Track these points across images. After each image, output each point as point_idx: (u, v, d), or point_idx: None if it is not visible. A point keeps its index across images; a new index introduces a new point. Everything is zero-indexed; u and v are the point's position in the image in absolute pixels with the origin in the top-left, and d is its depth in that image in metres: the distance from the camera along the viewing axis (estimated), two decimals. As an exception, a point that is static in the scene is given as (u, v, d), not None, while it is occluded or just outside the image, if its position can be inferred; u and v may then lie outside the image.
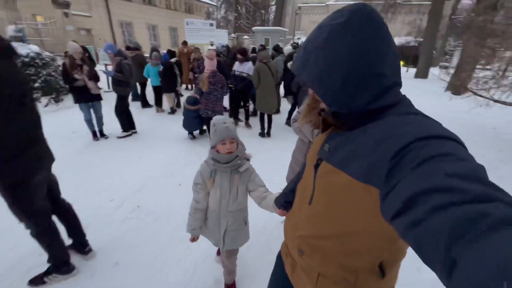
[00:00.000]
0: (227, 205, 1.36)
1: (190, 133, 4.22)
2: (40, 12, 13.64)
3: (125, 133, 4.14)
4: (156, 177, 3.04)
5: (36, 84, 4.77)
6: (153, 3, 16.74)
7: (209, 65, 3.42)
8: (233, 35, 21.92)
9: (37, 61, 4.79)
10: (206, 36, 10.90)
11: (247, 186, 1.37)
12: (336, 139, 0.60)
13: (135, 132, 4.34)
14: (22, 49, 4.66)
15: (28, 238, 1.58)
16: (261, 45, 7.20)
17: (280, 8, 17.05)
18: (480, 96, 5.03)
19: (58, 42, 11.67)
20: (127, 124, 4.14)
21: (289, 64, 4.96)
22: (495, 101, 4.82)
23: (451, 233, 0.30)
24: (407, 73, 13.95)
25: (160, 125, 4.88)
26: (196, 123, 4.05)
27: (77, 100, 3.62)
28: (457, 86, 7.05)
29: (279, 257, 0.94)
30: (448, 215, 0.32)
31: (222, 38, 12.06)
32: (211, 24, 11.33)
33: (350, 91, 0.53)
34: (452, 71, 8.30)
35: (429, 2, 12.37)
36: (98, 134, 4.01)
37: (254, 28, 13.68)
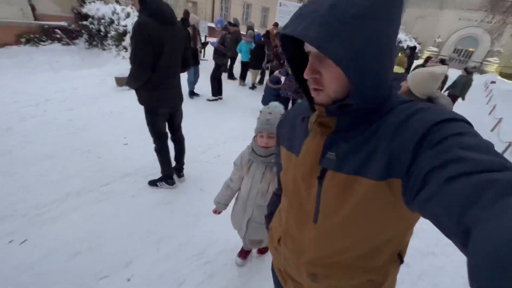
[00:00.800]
0: (255, 197, 1.33)
1: (266, 109, 4.67)
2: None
3: (213, 98, 4.88)
4: (234, 138, 3.64)
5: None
6: (253, -18, 17.48)
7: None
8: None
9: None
10: None
11: None
12: (341, 145, 0.53)
13: (221, 98, 5.06)
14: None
15: (151, 153, 2.29)
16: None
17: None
18: None
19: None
20: (217, 90, 4.85)
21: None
22: None
23: (464, 201, 0.30)
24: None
25: (242, 97, 5.51)
26: (273, 101, 4.44)
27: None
28: None
29: (275, 275, 0.88)
30: (461, 183, 0.32)
31: None
32: None
33: (382, 78, 0.47)
34: None
35: None
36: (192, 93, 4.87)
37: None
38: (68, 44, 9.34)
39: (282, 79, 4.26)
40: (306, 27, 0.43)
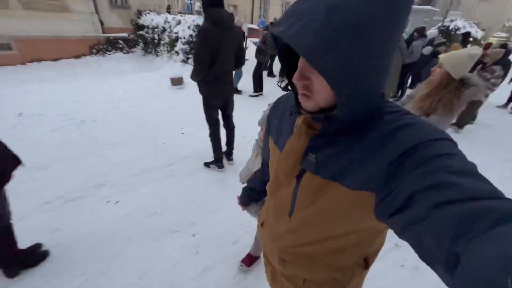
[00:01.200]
0: None
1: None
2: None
3: (255, 94, 5.21)
4: None
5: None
6: (291, -20, 17.52)
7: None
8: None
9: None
10: None
11: None
12: (323, 150, 0.52)
13: (262, 94, 5.37)
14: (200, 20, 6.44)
15: (204, 140, 2.68)
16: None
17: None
18: None
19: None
20: (259, 86, 5.17)
21: (425, 49, 4.53)
22: None
23: (456, 229, 0.30)
24: None
25: (282, 93, 5.73)
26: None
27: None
28: None
29: None
30: (453, 211, 0.31)
31: None
32: None
33: (372, 95, 0.44)
34: None
35: None
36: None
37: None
38: (127, 52, 10.73)
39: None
40: (299, 31, 0.37)
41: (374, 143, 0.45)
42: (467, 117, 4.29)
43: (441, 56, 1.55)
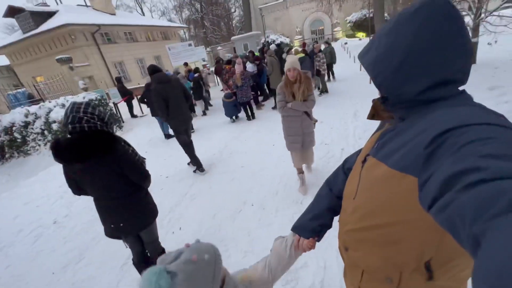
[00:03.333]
0: None
1: (231, 118, 5.97)
2: (40, 73, 15.17)
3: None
4: (231, 141, 4.86)
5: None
6: (135, 39, 18.44)
7: (238, 68, 5.20)
8: (208, 49, 23.78)
9: (102, 101, 6.46)
10: (188, 56, 12.22)
11: None
12: (386, 136, 0.61)
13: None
14: (90, 95, 6.31)
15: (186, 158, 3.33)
16: (250, 51, 9.10)
17: (247, 15, 19.02)
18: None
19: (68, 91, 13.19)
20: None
21: (284, 55, 6.85)
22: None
23: (477, 210, 0.30)
24: (361, 41, 17.17)
25: (206, 121, 6.60)
26: (234, 110, 5.79)
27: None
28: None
29: None
30: (476, 191, 0.31)
31: (201, 54, 13.40)
32: (190, 44, 12.82)
33: (402, 78, 0.53)
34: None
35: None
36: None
37: (232, 38, 15.67)
38: (-28, 171, 8.16)
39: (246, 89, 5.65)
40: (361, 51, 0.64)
41: (420, 127, 0.49)
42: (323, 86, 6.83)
43: (287, 62, 2.44)
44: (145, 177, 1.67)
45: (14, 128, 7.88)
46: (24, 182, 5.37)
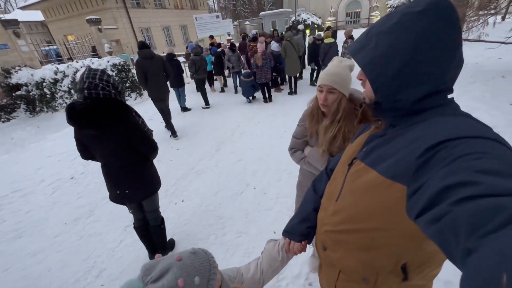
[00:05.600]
0: None
1: (248, 98, 5.89)
2: (71, 32, 15.53)
3: (206, 106, 5.88)
4: (244, 121, 4.83)
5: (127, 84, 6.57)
6: (163, 6, 18.19)
7: (261, 47, 5.00)
8: (235, 22, 23.01)
9: (125, 66, 6.57)
10: (215, 28, 11.89)
11: None
12: (374, 141, 0.60)
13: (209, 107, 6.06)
14: (114, 59, 6.42)
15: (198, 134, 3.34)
16: (275, 29, 8.68)
17: (280, -11, 17.95)
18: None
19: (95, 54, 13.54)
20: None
21: (309, 37, 6.45)
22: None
23: (471, 225, 0.30)
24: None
25: (223, 99, 6.59)
26: (252, 90, 5.68)
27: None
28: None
29: None
30: (471, 206, 0.31)
31: (228, 27, 12.98)
32: (217, 16, 12.36)
33: (400, 83, 0.50)
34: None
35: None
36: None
37: (261, 13, 15.04)
38: (7, 120, 8.82)
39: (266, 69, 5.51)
40: (351, 44, 0.59)
41: (411, 136, 0.48)
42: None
43: (322, 74, 1.20)
44: (153, 149, 1.70)
45: (44, 84, 8.31)
46: (50, 136, 5.74)
